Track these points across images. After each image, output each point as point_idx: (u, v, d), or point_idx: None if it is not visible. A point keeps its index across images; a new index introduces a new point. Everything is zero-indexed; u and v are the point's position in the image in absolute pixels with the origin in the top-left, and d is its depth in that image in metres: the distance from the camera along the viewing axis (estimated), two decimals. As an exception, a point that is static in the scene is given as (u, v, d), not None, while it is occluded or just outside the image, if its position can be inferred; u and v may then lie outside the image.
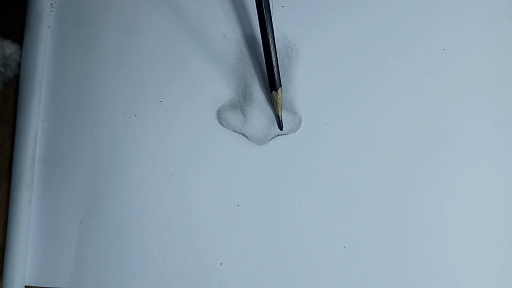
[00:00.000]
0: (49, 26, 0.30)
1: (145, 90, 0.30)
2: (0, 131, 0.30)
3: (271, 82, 0.29)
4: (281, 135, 0.30)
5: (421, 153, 0.29)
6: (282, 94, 0.29)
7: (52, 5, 0.30)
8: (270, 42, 0.28)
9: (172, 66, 0.30)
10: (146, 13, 0.30)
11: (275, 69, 0.28)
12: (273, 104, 0.29)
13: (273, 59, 0.28)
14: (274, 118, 0.30)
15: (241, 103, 0.30)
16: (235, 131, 0.30)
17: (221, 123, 0.30)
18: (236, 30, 0.30)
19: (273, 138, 0.30)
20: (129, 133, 0.30)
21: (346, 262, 0.29)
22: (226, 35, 0.30)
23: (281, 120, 0.29)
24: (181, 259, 0.29)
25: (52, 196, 0.30)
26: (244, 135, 0.30)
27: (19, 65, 0.27)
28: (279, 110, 0.29)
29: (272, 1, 0.30)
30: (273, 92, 0.29)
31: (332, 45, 0.30)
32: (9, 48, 0.25)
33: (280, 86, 0.29)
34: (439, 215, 0.29)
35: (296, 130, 0.30)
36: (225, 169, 0.30)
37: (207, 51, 0.30)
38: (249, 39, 0.30)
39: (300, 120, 0.30)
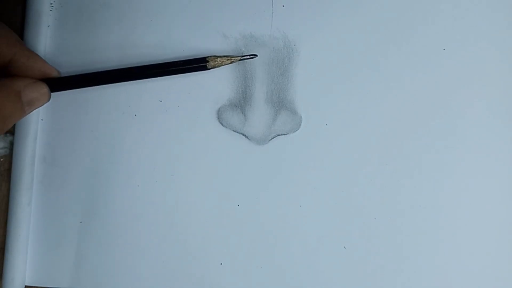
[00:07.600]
0: (48, 26, 0.30)
1: (145, 90, 0.30)
2: (0, 131, 0.30)
3: None
4: (281, 135, 0.30)
5: (422, 153, 0.29)
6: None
7: (52, 5, 0.30)
8: None
9: (172, 66, 0.30)
10: (146, 12, 0.30)
11: None
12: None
13: None
14: (273, 117, 0.30)
15: (241, 103, 0.30)
16: (235, 131, 0.30)
17: (221, 123, 0.30)
18: (236, 29, 0.30)
19: (273, 138, 0.30)
20: (129, 133, 0.30)
21: (346, 262, 0.29)
22: (226, 34, 0.30)
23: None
24: (181, 259, 0.29)
25: (52, 196, 0.30)
26: (244, 135, 0.30)
27: None
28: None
29: (272, 1, 0.30)
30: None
31: (332, 45, 0.30)
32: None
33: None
34: (440, 215, 0.29)
35: (296, 130, 0.30)
36: (225, 169, 0.30)
37: (206, 51, 0.30)
38: (249, 38, 0.30)
39: (300, 120, 0.30)
